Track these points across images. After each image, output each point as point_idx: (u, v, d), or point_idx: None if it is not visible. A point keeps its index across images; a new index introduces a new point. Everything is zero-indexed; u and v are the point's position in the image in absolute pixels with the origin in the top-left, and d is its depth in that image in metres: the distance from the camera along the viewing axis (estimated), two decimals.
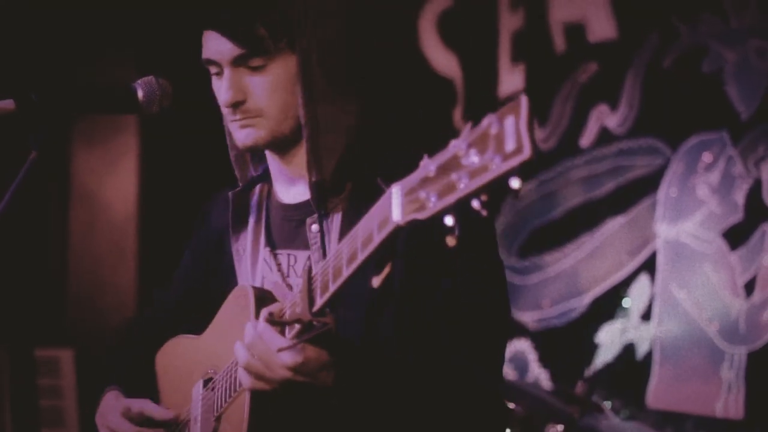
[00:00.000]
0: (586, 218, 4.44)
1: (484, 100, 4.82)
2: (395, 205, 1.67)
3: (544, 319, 4.54)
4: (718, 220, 4.03)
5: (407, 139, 2.16)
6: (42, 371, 4.84)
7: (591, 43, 4.48)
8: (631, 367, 4.21)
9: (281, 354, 1.88)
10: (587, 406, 3.49)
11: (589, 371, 3.56)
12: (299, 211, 2.18)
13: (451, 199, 1.55)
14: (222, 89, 2.11)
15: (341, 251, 1.80)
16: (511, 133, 1.46)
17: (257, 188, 2.30)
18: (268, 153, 2.22)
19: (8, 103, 1.92)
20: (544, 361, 4.51)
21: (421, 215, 1.61)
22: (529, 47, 4.68)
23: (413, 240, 1.89)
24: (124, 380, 2.38)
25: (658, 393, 4.13)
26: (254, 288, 2.12)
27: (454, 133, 1.60)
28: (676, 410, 4.07)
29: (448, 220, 1.57)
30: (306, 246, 2.15)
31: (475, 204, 1.53)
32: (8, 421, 4.67)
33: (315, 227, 2.12)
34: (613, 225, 4.36)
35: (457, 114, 4.91)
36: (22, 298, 4.92)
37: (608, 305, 4.34)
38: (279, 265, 2.21)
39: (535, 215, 4.63)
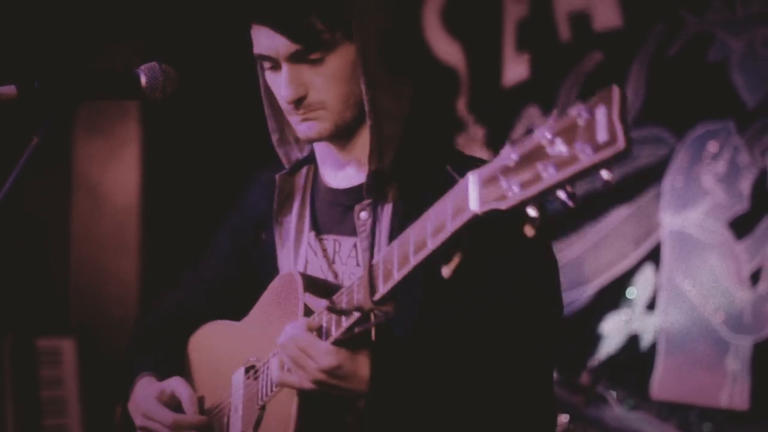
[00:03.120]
0: (591, 208, 4.42)
1: (488, 90, 4.80)
2: (472, 194, 1.60)
3: None
4: (723, 210, 4.01)
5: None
6: (44, 361, 4.82)
7: (596, 32, 4.45)
8: (636, 358, 4.20)
9: (317, 356, 1.86)
10: (592, 396, 3.48)
11: (593, 361, 3.54)
12: (348, 197, 2.13)
13: (536, 189, 1.49)
14: (282, 86, 2.04)
15: (407, 239, 1.74)
16: (603, 124, 1.42)
17: (303, 170, 2.25)
18: None
19: (10, 89, 1.89)
20: None
21: (502, 205, 1.54)
22: (534, 36, 4.66)
23: (477, 231, 1.75)
24: (155, 366, 2.32)
25: (662, 383, 4.12)
26: (303, 275, 2.07)
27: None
28: (681, 401, 4.06)
29: (531, 211, 1.51)
30: (352, 232, 2.11)
31: (561, 195, 1.48)
32: (10, 412, 4.66)
33: (364, 214, 2.07)
34: (618, 215, 4.34)
35: (461, 104, 4.89)
36: (23, 288, 4.90)
37: (613, 295, 4.32)
38: (324, 250, 2.16)
39: None
